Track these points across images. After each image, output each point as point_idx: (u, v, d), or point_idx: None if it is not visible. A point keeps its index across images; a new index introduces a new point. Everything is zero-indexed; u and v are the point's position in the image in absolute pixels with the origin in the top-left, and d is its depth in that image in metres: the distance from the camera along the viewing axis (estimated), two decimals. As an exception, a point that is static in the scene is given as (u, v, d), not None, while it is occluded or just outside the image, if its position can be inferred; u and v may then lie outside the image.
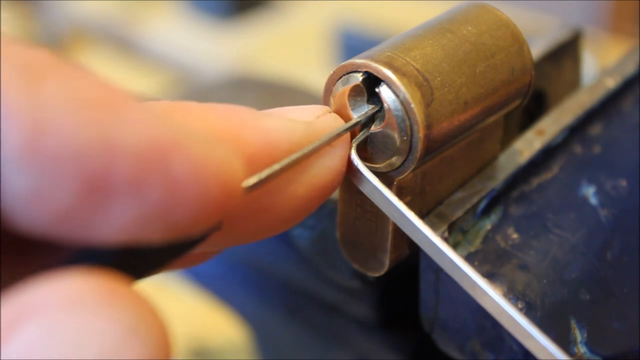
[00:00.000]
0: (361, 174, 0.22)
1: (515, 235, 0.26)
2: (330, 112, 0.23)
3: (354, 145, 0.23)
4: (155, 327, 0.15)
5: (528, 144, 0.28)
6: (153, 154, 0.16)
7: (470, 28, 0.24)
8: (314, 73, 0.83)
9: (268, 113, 0.21)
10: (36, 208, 0.15)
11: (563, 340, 0.25)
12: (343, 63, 0.23)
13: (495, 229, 0.26)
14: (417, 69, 0.22)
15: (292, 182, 0.21)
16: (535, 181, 0.28)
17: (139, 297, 0.15)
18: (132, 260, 0.17)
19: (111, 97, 0.16)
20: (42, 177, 0.15)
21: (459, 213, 0.25)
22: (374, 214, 0.24)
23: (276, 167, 0.20)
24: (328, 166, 0.22)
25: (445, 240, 0.25)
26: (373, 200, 0.23)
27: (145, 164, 0.16)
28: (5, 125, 0.15)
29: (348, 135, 0.22)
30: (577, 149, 0.29)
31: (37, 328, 0.14)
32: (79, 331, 0.14)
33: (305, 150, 0.21)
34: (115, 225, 0.16)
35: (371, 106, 0.23)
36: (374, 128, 0.23)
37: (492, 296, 0.21)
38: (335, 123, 0.22)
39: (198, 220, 0.17)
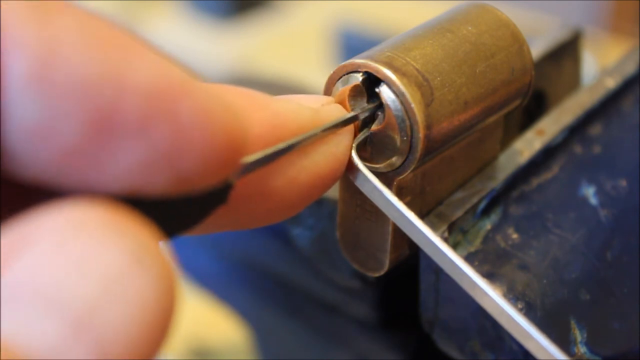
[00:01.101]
0: (361, 174, 0.22)
1: (515, 235, 0.26)
2: (334, 103, 0.23)
3: (354, 145, 0.23)
4: (160, 261, 0.15)
5: (528, 144, 0.28)
6: (162, 96, 0.16)
7: (470, 28, 0.24)
8: (314, 73, 0.83)
9: (276, 97, 0.21)
10: (40, 144, 0.15)
11: (563, 340, 0.25)
12: (343, 63, 0.23)
13: (495, 229, 0.26)
14: (417, 69, 0.22)
15: (295, 167, 0.21)
16: (535, 181, 0.28)
17: (144, 228, 0.15)
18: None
19: (122, 37, 0.16)
20: (48, 109, 0.15)
21: (459, 213, 0.25)
22: (374, 214, 0.24)
23: (281, 145, 0.20)
24: (331, 153, 0.22)
25: (445, 240, 0.25)
26: (373, 200, 0.23)
27: (153, 104, 0.15)
28: (14, 54, 0.14)
29: (352, 126, 0.22)
30: (577, 149, 0.29)
31: (39, 253, 0.14)
32: (82, 256, 0.14)
33: (311, 133, 0.21)
34: (120, 168, 0.15)
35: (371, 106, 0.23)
36: (374, 128, 0.23)
37: (492, 296, 0.21)
38: (340, 112, 0.22)
39: (203, 171, 0.16)
